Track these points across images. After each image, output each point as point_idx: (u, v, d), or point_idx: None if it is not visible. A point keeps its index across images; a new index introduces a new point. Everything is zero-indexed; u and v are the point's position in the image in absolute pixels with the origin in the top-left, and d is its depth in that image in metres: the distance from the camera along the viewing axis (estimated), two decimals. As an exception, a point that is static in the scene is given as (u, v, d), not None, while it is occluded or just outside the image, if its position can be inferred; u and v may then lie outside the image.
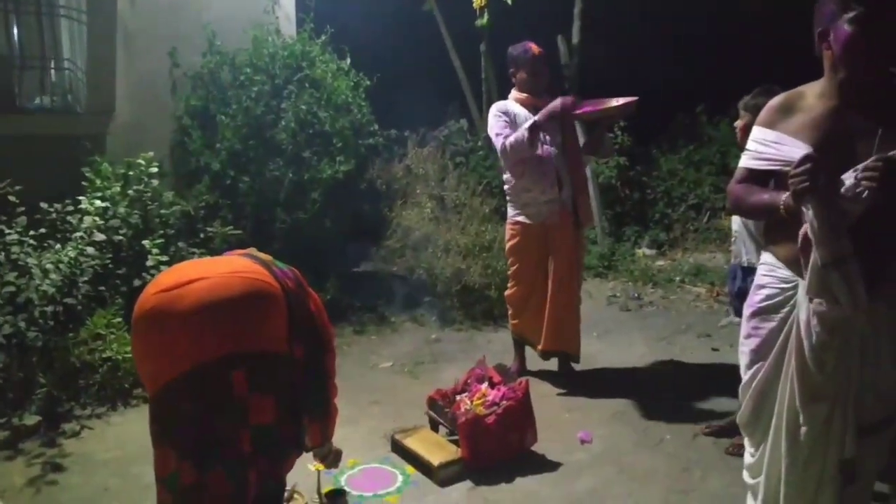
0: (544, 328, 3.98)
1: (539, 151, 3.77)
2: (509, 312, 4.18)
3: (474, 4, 6.77)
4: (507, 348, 4.36)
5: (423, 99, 6.44)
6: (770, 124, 2.09)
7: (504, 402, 3.15)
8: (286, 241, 4.89)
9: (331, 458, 2.31)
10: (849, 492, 2.03)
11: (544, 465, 3.14)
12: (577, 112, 3.76)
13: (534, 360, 4.18)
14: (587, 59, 7.33)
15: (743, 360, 2.22)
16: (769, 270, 2.13)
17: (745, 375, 2.21)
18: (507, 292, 4.15)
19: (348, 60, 5.53)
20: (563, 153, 3.86)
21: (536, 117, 3.73)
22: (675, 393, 3.85)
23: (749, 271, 3.21)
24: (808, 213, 1.86)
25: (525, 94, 3.91)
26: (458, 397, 3.30)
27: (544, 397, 3.76)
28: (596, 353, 4.54)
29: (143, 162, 4.33)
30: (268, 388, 1.77)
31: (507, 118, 3.86)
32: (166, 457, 1.74)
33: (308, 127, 5.07)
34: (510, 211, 4.01)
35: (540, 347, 4.04)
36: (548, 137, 3.81)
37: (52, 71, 4.80)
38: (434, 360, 4.50)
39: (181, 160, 5.02)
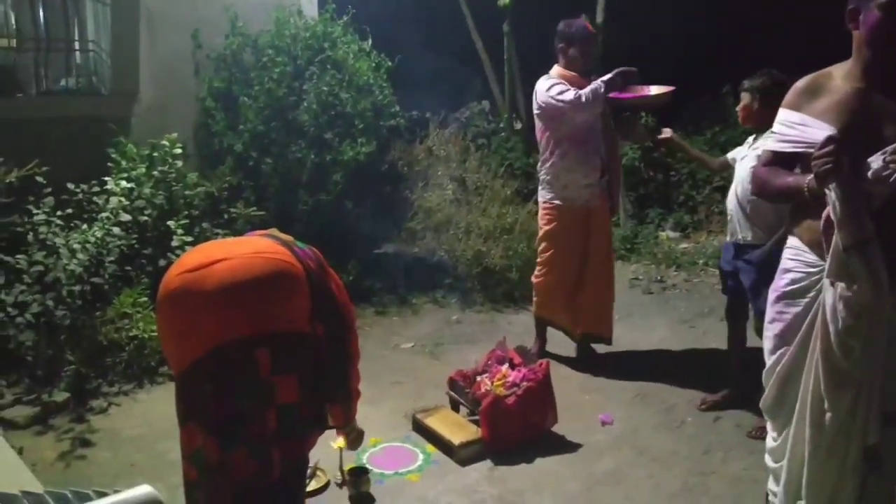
0: (583, 312, 3.99)
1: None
2: (535, 299, 4.12)
3: (497, -16, 6.71)
4: (527, 330, 4.36)
5: (444, 80, 6.41)
6: (795, 106, 2.06)
7: (524, 383, 3.16)
8: (308, 222, 4.92)
9: (353, 438, 2.33)
10: (873, 479, 2.02)
11: (564, 447, 3.15)
12: (619, 97, 3.71)
13: (554, 343, 4.18)
14: (611, 38, 7.23)
15: (767, 345, 2.20)
16: (795, 255, 2.11)
17: (768, 360, 2.19)
18: (535, 279, 4.07)
19: (370, 41, 5.51)
20: (604, 139, 3.85)
21: (605, 77, 3.63)
22: (697, 376, 3.83)
23: (742, 248, 3.23)
24: (831, 195, 1.83)
25: (572, 73, 3.80)
26: (478, 378, 3.31)
27: (565, 379, 3.76)
28: (618, 335, 4.50)
29: (167, 143, 4.37)
30: (291, 368, 1.78)
31: (562, 84, 3.74)
32: (192, 434, 1.77)
33: (330, 108, 5.07)
34: (545, 194, 3.94)
35: (579, 331, 4.03)
36: (592, 121, 3.76)
37: (77, 53, 4.85)
38: (455, 341, 4.52)
39: (204, 141, 5.06)
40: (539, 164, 3.97)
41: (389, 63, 5.54)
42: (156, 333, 3.82)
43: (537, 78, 3.91)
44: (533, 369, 3.23)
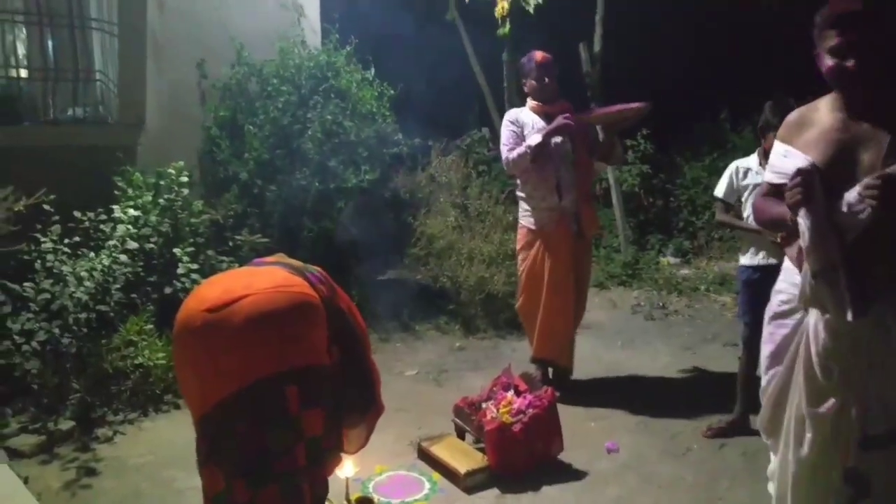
0: (535, 334, 3.98)
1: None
2: (524, 320, 4.14)
3: (496, 14, 6.81)
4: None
5: (446, 108, 6.48)
6: (786, 139, 2.15)
7: (530, 410, 3.17)
8: (312, 249, 4.94)
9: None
10: None
11: (570, 474, 3.15)
12: (588, 116, 3.82)
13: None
14: (609, 67, 7.34)
15: (763, 365, 2.25)
16: (785, 276, 2.17)
17: (763, 380, 2.23)
18: (518, 304, 4.15)
19: (373, 71, 5.60)
20: (569, 162, 3.87)
21: (541, 137, 3.75)
22: (702, 403, 3.83)
23: (746, 269, 3.38)
24: (802, 223, 1.91)
25: (536, 102, 3.95)
26: (483, 405, 3.32)
27: (570, 406, 3.76)
28: (621, 361, 4.54)
29: (173, 171, 4.40)
30: (317, 401, 1.79)
31: (516, 127, 3.91)
32: (214, 476, 1.76)
33: (334, 136, 5.14)
34: (519, 215, 4.05)
35: (534, 355, 4.04)
36: (555, 143, 3.81)
37: (85, 83, 4.91)
38: (459, 368, 4.52)
39: (210, 170, 5.10)
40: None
41: (392, 92, 5.62)
42: (161, 361, 3.84)
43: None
44: (539, 396, 3.24)
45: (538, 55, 3.90)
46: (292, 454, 1.76)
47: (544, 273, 3.91)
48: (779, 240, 2.29)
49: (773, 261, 3.22)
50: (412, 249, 5.76)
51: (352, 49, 5.52)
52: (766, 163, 2.36)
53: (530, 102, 3.99)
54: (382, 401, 2.16)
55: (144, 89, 4.83)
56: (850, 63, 1.92)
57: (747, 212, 3.39)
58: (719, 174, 3.67)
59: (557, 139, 3.81)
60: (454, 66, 7.61)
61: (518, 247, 4.06)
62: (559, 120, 3.75)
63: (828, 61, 1.98)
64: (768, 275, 2.55)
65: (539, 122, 3.87)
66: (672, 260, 6.98)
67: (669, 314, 5.60)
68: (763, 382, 2.23)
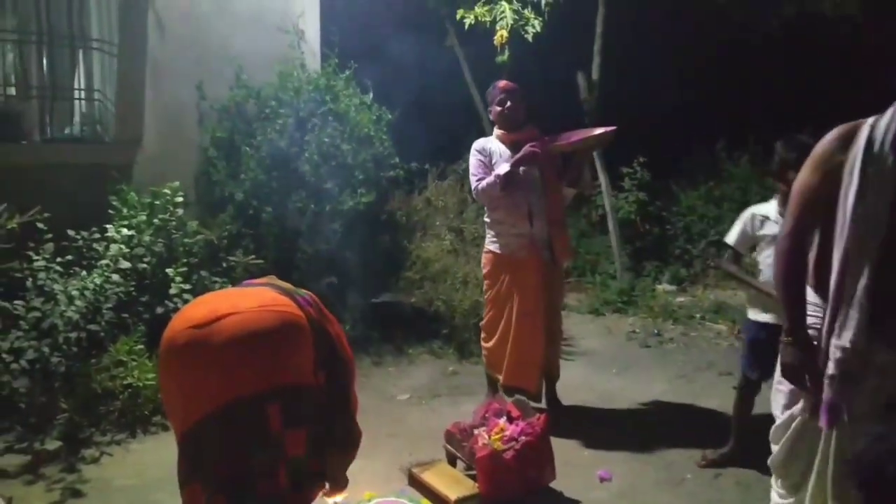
0: (505, 361, 3.94)
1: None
2: (483, 341, 4.11)
3: (495, 41, 6.87)
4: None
5: (443, 133, 6.51)
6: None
7: (523, 437, 3.13)
8: (307, 270, 4.93)
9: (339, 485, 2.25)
10: None
11: (563, 503, 3.11)
12: (554, 144, 3.81)
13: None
14: (607, 95, 7.39)
15: (780, 400, 2.19)
16: (812, 310, 2.11)
17: (780, 417, 2.18)
18: (482, 323, 4.13)
19: (371, 95, 5.62)
20: (539, 189, 3.86)
21: (509, 166, 3.75)
22: (697, 432, 3.80)
23: (753, 325, 3.28)
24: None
25: (501, 130, 3.95)
26: (475, 431, 3.28)
27: (563, 433, 3.72)
28: (615, 389, 4.51)
29: (168, 191, 4.40)
30: (300, 421, 1.77)
31: (483, 156, 3.91)
32: (195, 496, 1.74)
33: (331, 159, 5.15)
34: (486, 239, 4.04)
35: (502, 381, 3.99)
36: (523, 170, 3.81)
37: (83, 102, 4.93)
38: (451, 392, 4.49)
39: (206, 190, 5.10)
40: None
41: (389, 116, 5.65)
42: (150, 382, 3.80)
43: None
44: (531, 423, 3.21)
45: (501, 83, 3.93)
46: (274, 474, 1.73)
47: (512, 300, 3.88)
48: None
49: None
50: (407, 273, 5.75)
51: (351, 73, 5.56)
52: (786, 209, 2.17)
53: (496, 131, 3.99)
54: (360, 427, 2.12)
55: (142, 109, 4.86)
56: None
57: (762, 265, 3.24)
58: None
59: (526, 168, 3.81)
60: (452, 91, 7.67)
61: (484, 271, 4.05)
62: (526, 149, 3.75)
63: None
64: (777, 334, 2.21)
65: (506, 152, 3.88)
66: (668, 287, 6.97)
67: (665, 342, 5.57)
68: (780, 419, 2.19)
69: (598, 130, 3.81)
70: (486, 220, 4.02)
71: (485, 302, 4.12)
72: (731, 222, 3.42)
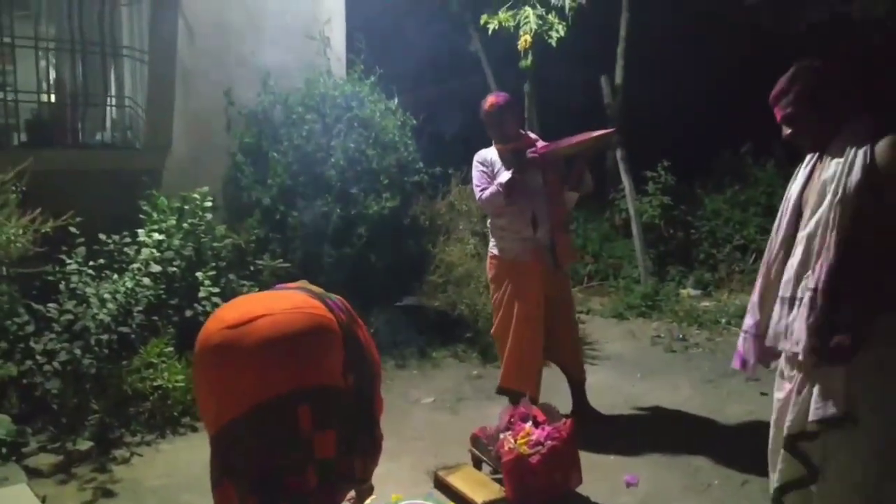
0: (504, 363, 3.95)
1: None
2: (499, 351, 4.09)
3: (519, 46, 6.89)
4: (550, 385, 4.31)
5: (467, 138, 6.52)
6: None
7: (549, 441, 3.13)
8: (332, 274, 4.97)
9: (364, 493, 2.29)
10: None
11: (589, 508, 3.10)
12: (554, 148, 3.80)
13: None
14: (631, 99, 7.37)
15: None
16: None
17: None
18: (492, 330, 4.10)
19: (396, 100, 5.67)
20: (543, 193, 3.85)
21: (510, 174, 3.75)
22: (723, 437, 3.77)
23: None
24: None
25: (498, 145, 3.94)
26: (501, 435, 3.29)
27: (589, 438, 3.71)
28: (641, 394, 4.48)
29: (198, 196, 4.47)
30: (330, 422, 1.79)
31: (486, 167, 3.91)
32: (227, 495, 1.76)
33: (356, 164, 5.20)
34: (490, 244, 4.04)
35: (500, 383, 3.99)
36: (526, 177, 3.80)
37: (114, 108, 5.03)
38: (476, 396, 4.49)
39: (233, 195, 5.17)
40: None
41: (414, 121, 5.69)
42: (180, 383, 3.86)
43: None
44: (557, 427, 3.20)
45: (489, 99, 3.91)
46: (304, 474, 1.75)
47: (514, 303, 3.89)
48: None
49: None
50: (431, 276, 5.77)
51: (376, 79, 5.60)
52: None
53: (494, 143, 3.99)
54: (382, 431, 2.14)
55: (172, 115, 4.94)
56: None
57: None
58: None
59: (530, 173, 3.80)
60: (477, 96, 7.68)
61: (489, 276, 4.05)
62: (527, 154, 3.76)
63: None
64: None
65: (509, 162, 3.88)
66: (692, 292, 6.91)
67: (690, 346, 5.53)
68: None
69: (597, 132, 3.79)
70: (490, 225, 4.03)
71: (493, 307, 4.08)
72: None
